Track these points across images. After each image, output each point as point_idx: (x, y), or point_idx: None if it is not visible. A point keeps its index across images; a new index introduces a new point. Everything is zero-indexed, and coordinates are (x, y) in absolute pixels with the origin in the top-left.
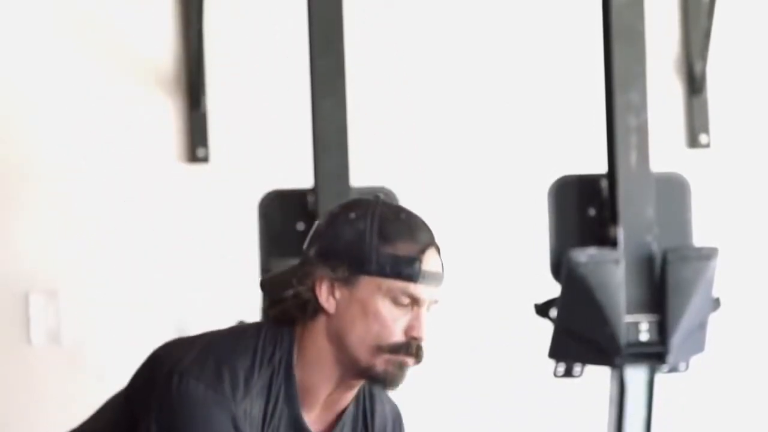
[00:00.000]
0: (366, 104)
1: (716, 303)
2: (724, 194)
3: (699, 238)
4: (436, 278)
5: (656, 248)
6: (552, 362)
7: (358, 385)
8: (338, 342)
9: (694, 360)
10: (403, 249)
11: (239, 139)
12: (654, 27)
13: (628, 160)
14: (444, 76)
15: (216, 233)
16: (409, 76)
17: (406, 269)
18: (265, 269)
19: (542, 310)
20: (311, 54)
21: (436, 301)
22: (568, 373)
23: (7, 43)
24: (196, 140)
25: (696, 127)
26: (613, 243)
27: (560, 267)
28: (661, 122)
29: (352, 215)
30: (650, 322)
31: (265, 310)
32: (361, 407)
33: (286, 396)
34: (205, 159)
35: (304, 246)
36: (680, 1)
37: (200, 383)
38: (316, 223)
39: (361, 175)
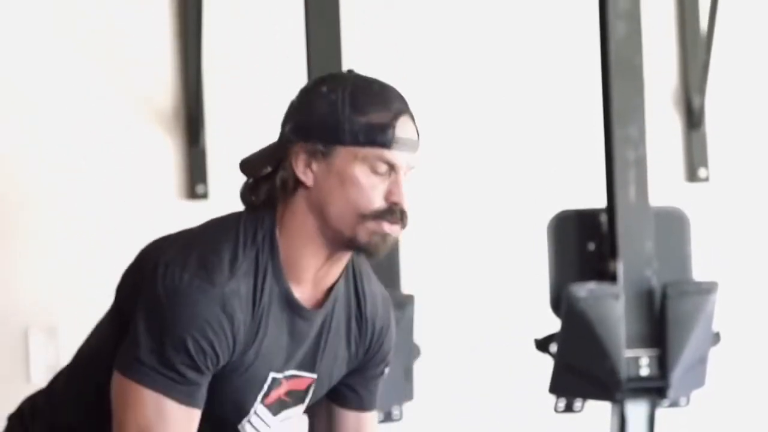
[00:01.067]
0: None
1: (716, 337)
2: (723, 228)
3: (699, 273)
4: (410, 144)
5: (656, 282)
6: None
7: (345, 259)
8: (320, 214)
9: (695, 395)
10: (376, 117)
11: (239, 175)
12: (652, 61)
13: (627, 194)
14: (443, 109)
15: None
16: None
17: (380, 136)
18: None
19: (542, 345)
20: None
21: (413, 168)
22: (568, 408)
23: (5, 82)
24: (195, 177)
25: (695, 161)
26: (612, 277)
27: (560, 302)
28: (660, 156)
29: (325, 89)
30: (650, 357)
31: (244, 193)
32: (351, 285)
33: (273, 271)
34: (204, 196)
35: (280, 124)
36: (678, 35)
37: (185, 273)
38: (291, 101)
39: None
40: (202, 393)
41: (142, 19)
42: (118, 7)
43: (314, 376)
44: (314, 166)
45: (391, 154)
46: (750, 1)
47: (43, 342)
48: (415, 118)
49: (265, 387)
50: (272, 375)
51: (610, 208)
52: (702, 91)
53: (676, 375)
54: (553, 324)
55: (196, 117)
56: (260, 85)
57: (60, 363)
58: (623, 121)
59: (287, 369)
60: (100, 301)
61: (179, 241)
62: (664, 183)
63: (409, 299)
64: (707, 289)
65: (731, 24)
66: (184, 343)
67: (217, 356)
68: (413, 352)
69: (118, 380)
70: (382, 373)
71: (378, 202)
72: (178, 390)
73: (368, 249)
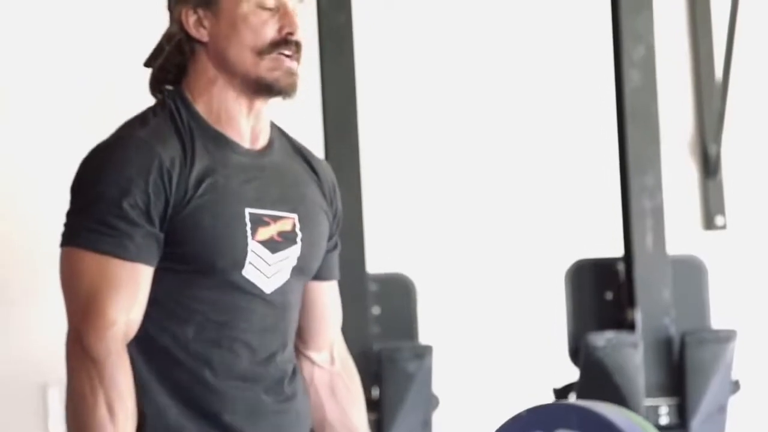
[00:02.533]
0: (381, 202)
1: (736, 386)
2: (741, 276)
3: (717, 321)
4: None
5: (674, 331)
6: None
7: (266, 108)
8: (223, 64)
9: None
10: None
11: None
12: (668, 109)
13: (644, 243)
14: (465, 160)
15: None
16: (422, 165)
17: None
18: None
19: (561, 394)
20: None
21: (300, 0)
22: None
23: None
24: None
25: (712, 209)
26: (630, 326)
27: (578, 351)
28: (677, 204)
29: None
30: (670, 406)
31: (151, 84)
32: (290, 143)
33: (196, 123)
34: None
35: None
36: (693, 83)
37: (98, 146)
38: None
39: (378, 263)
40: (139, 246)
41: None
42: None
43: (294, 215)
44: (204, 21)
45: None
46: (765, 49)
47: (60, 397)
48: None
49: (248, 222)
50: (248, 210)
51: (628, 257)
52: (718, 138)
53: (696, 424)
54: (571, 373)
55: None
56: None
57: None
58: (640, 170)
59: (264, 208)
60: None
61: None
62: (681, 231)
63: (428, 350)
64: (726, 337)
65: (746, 72)
66: (109, 193)
67: (147, 195)
68: (431, 402)
69: (61, 259)
70: (336, 245)
71: (271, 35)
72: (112, 243)
73: (276, 86)
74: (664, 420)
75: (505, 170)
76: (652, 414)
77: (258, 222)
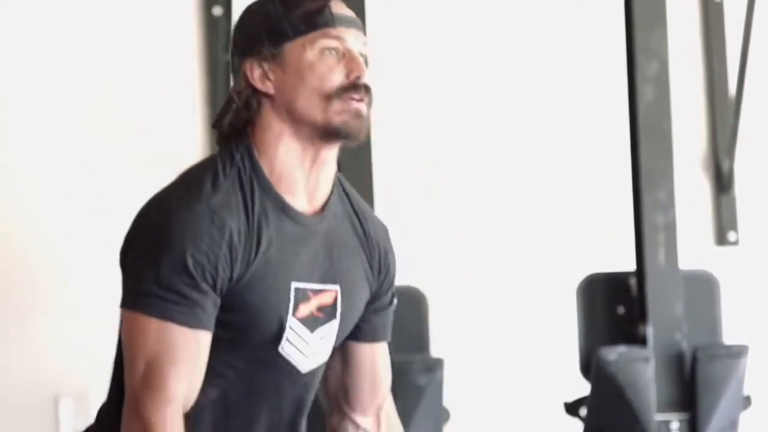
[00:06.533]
0: (393, 215)
1: (747, 401)
2: (753, 291)
3: (729, 336)
4: (351, 20)
5: (686, 346)
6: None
7: (332, 160)
8: (290, 115)
9: None
10: (309, 5)
11: None
12: (681, 125)
13: (656, 257)
14: (471, 174)
15: None
16: (434, 178)
17: (319, 18)
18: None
19: (572, 408)
20: None
21: (366, 44)
22: None
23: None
24: None
25: (724, 225)
26: (642, 341)
27: (590, 365)
28: (689, 220)
29: (255, 6)
30: (681, 421)
31: (218, 140)
32: (347, 202)
33: (259, 183)
34: None
35: (230, 61)
36: (707, 100)
37: (169, 200)
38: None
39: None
40: (208, 314)
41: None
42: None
43: (336, 287)
44: (270, 74)
45: (336, 31)
46: None
47: (72, 409)
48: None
49: (292, 298)
50: (294, 285)
51: (640, 272)
52: (731, 154)
53: None
54: (582, 388)
55: None
56: None
57: None
58: (652, 185)
59: (309, 282)
60: None
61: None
62: (693, 246)
63: (439, 363)
64: (738, 352)
65: (760, 88)
66: (180, 261)
67: (216, 269)
68: (442, 415)
69: (123, 319)
70: (391, 302)
71: (338, 80)
72: (181, 312)
73: (344, 130)
74: None
75: (517, 184)
76: (663, 429)
77: (301, 297)
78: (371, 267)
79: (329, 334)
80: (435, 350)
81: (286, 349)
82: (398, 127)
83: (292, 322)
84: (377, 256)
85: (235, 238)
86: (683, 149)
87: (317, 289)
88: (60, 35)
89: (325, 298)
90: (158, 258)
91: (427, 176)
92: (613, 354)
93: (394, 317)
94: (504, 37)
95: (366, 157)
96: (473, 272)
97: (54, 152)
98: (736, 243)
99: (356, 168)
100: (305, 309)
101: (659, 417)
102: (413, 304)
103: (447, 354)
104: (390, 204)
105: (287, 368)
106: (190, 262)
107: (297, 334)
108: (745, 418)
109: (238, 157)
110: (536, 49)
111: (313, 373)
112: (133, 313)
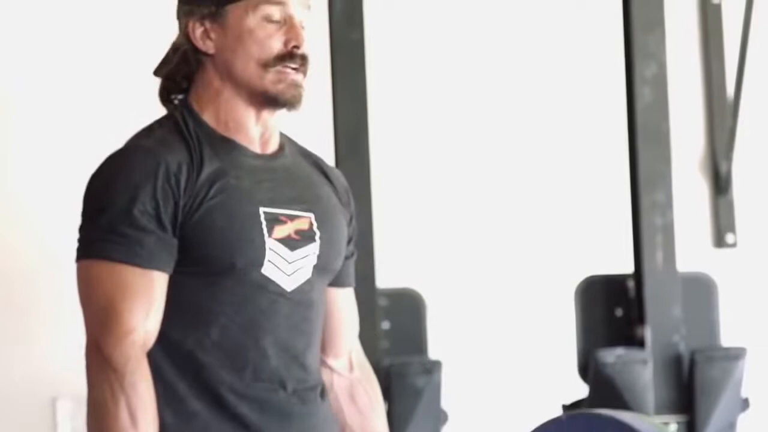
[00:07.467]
0: (392, 217)
1: (745, 403)
2: (751, 293)
3: (727, 338)
4: None
5: (684, 348)
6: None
7: (274, 119)
8: (229, 76)
9: None
10: None
11: None
12: (679, 127)
13: (654, 260)
14: (469, 176)
15: None
16: (432, 180)
17: None
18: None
19: (570, 410)
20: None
21: (308, 7)
22: None
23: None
24: None
25: (722, 227)
26: (640, 343)
27: (587, 367)
28: (687, 222)
29: None
30: (679, 423)
31: (161, 94)
32: (301, 150)
33: (203, 131)
34: None
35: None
36: (705, 102)
37: (105, 160)
38: None
39: (388, 278)
40: (156, 251)
41: None
42: None
43: (310, 215)
44: (211, 33)
45: None
46: None
47: (70, 411)
48: None
49: (263, 221)
50: (262, 209)
51: (638, 274)
52: (729, 156)
53: None
54: (581, 390)
55: None
56: None
57: None
58: (650, 187)
59: (279, 207)
60: None
61: None
62: (691, 249)
63: (437, 365)
64: (736, 354)
65: (758, 90)
66: (118, 202)
67: (156, 201)
68: (440, 418)
69: (77, 272)
70: (353, 253)
71: (276, 48)
72: (127, 252)
73: (280, 99)
74: None
75: (515, 186)
76: None
77: (273, 221)
78: (341, 201)
79: (310, 254)
80: (433, 352)
81: (268, 269)
82: (397, 128)
83: (270, 243)
84: (344, 192)
85: (173, 167)
86: (681, 151)
87: (290, 214)
88: (61, 35)
89: (301, 224)
90: (96, 205)
91: (425, 178)
92: (611, 356)
93: (393, 319)
94: (503, 39)
95: (365, 158)
96: (471, 274)
97: (54, 152)
98: (734, 245)
99: (355, 169)
100: (281, 231)
101: (657, 419)
102: (411, 307)
103: (445, 356)
104: (388, 206)
105: (275, 289)
106: (125, 199)
107: (276, 253)
108: (743, 420)
109: (177, 113)
110: (535, 51)
111: (305, 296)
112: (82, 262)
